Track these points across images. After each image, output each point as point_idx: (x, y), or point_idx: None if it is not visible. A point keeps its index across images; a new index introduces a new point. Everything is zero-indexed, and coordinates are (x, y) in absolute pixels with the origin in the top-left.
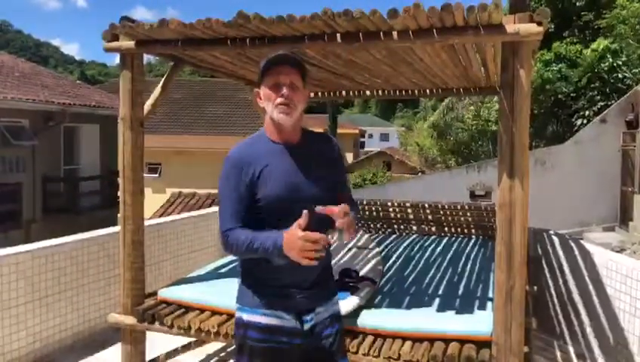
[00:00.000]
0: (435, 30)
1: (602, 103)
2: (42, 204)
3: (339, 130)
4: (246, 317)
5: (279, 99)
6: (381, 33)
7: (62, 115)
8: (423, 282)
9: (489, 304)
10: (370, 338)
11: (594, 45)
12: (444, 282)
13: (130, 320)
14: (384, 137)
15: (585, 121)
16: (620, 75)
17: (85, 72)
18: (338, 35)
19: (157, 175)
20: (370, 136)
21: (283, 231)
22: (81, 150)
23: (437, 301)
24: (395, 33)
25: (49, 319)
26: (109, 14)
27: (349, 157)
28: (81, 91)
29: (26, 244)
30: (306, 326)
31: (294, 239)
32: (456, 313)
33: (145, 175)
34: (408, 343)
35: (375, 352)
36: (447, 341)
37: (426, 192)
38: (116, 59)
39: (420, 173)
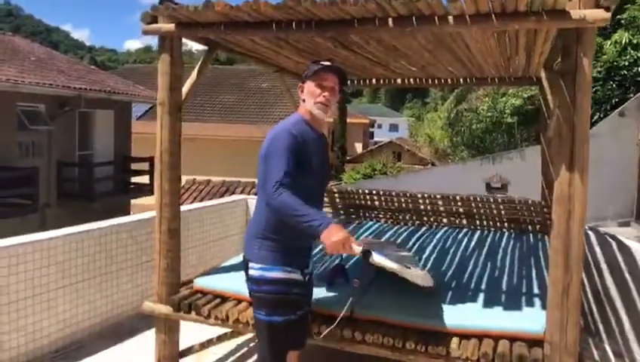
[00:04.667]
0: (494, 15)
1: (621, 97)
2: (57, 189)
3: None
4: (271, 274)
5: (320, 98)
6: (436, 18)
7: (77, 100)
8: (462, 277)
9: (536, 301)
10: (414, 335)
11: (615, 37)
12: (485, 277)
13: (165, 309)
14: (393, 128)
15: (602, 115)
16: (639, 69)
17: (95, 58)
18: (390, 19)
19: None
20: (380, 126)
21: (332, 220)
22: (95, 136)
23: (481, 297)
24: (450, 18)
25: (79, 305)
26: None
27: (359, 147)
28: (95, 77)
29: (58, 229)
30: (306, 278)
31: (341, 234)
32: (504, 309)
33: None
34: (455, 340)
35: (422, 348)
36: (495, 338)
37: (439, 184)
38: (126, 44)
39: (430, 165)
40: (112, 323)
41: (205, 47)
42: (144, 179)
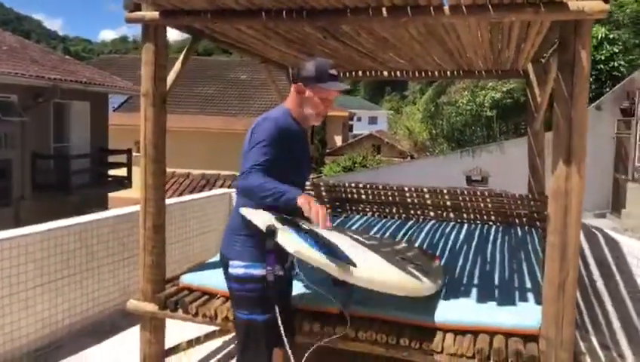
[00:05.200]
0: (491, 6)
1: (597, 91)
2: (32, 182)
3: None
4: (257, 272)
5: (322, 111)
6: (431, 8)
7: (52, 90)
8: (454, 272)
9: (530, 296)
10: (408, 331)
11: (592, 32)
12: (477, 272)
13: (151, 307)
14: (372, 120)
15: None
16: (615, 64)
17: (69, 48)
18: (384, 8)
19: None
20: (359, 119)
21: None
22: (71, 127)
23: (474, 292)
24: (446, 8)
25: (58, 304)
26: None
27: (338, 140)
28: (71, 67)
29: (36, 225)
30: (288, 273)
31: (311, 200)
32: (498, 304)
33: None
34: (450, 335)
35: (416, 345)
36: (490, 334)
37: (419, 176)
38: (101, 34)
39: (409, 158)
40: (93, 322)
41: (188, 36)
42: (122, 172)
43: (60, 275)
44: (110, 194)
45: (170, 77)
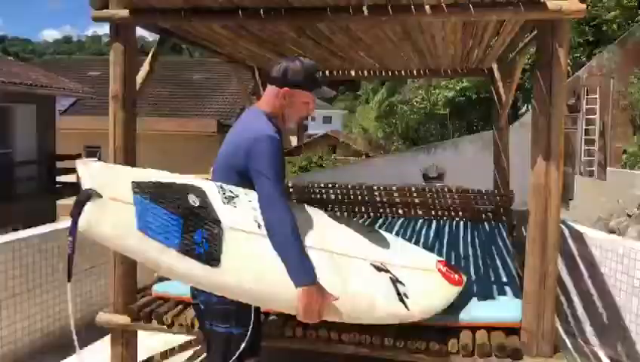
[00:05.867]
0: (472, 6)
1: None
2: None
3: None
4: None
5: (304, 113)
6: (412, 7)
7: None
8: None
9: (508, 289)
10: (392, 331)
11: None
12: None
13: (123, 319)
14: (327, 120)
15: (530, 106)
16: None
17: (7, 49)
18: (365, 7)
19: (96, 158)
20: (313, 118)
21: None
22: (16, 132)
23: None
24: (427, 7)
25: (17, 321)
26: None
27: (294, 140)
28: (13, 68)
29: None
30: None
31: (320, 299)
32: (478, 300)
33: (85, 159)
34: (434, 333)
35: (401, 344)
36: (472, 329)
37: (377, 175)
38: (43, 34)
39: (364, 156)
40: (54, 337)
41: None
42: (72, 178)
43: (18, 290)
44: (60, 202)
45: (140, 78)
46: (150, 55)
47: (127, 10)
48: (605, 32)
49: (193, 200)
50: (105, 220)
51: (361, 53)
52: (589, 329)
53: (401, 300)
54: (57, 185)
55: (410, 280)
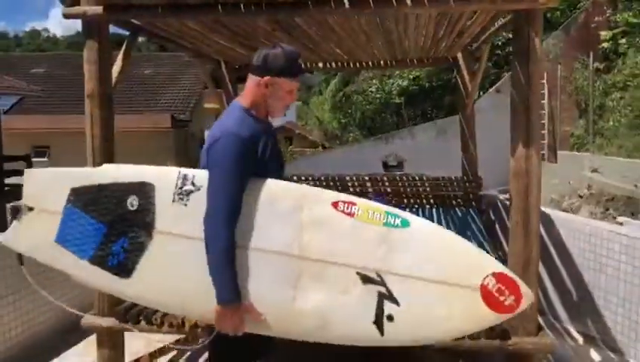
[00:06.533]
0: None
1: (497, 75)
2: None
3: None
4: None
5: (289, 102)
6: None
7: None
8: None
9: None
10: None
11: None
12: None
13: (109, 321)
14: None
15: (483, 92)
16: (511, 48)
17: None
18: (346, 0)
19: (46, 158)
20: None
21: (239, 302)
22: None
23: None
24: (408, 0)
25: None
26: None
27: None
28: None
29: None
30: None
31: (235, 321)
32: None
33: (33, 159)
34: None
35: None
36: None
37: (338, 165)
38: None
39: (320, 147)
40: (28, 345)
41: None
42: (21, 180)
43: None
44: (10, 205)
45: (114, 76)
46: (122, 51)
47: (101, 7)
48: (549, 18)
49: (131, 202)
50: (26, 235)
51: (332, 45)
52: (559, 307)
53: (378, 322)
54: (6, 188)
55: (415, 298)
